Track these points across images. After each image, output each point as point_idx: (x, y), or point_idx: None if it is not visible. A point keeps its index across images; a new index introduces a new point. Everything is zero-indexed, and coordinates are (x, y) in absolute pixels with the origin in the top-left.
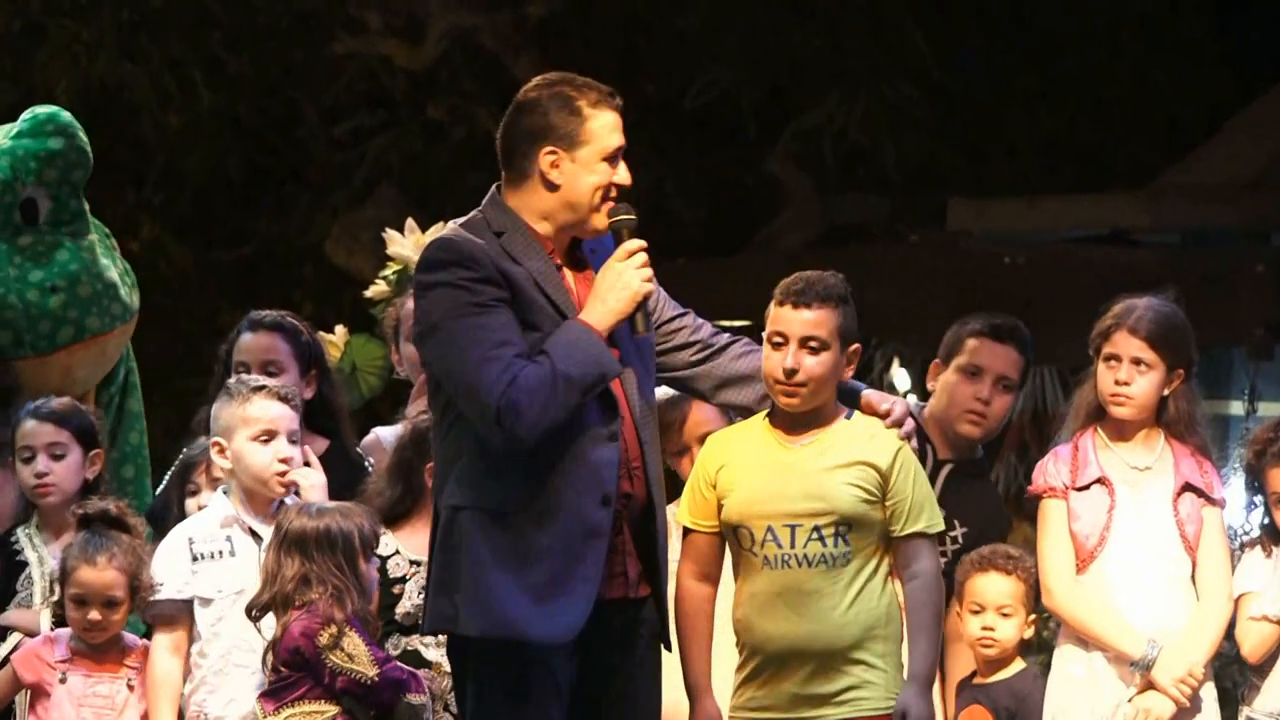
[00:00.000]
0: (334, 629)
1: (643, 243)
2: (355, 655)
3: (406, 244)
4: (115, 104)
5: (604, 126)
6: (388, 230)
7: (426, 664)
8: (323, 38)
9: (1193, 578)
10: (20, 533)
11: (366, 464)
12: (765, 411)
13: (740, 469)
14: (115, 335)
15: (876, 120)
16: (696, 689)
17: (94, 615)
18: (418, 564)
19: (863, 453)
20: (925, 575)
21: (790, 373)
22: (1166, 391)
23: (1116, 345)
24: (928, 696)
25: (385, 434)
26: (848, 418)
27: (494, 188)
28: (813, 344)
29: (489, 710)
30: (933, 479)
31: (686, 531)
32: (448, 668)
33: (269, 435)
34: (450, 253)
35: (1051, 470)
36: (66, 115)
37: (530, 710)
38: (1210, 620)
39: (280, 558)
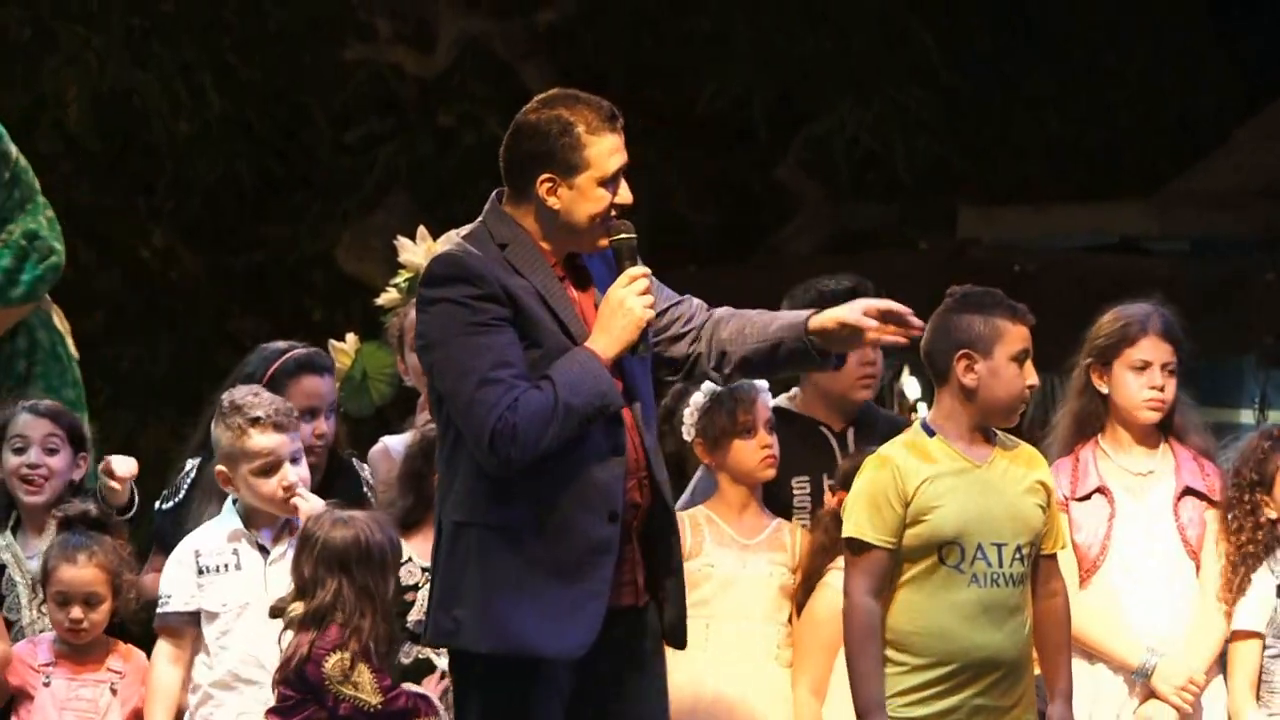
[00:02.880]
0: (344, 658)
1: (645, 269)
2: (360, 684)
3: (418, 251)
4: (126, 110)
5: (602, 152)
6: (399, 238)
7: (440, 672)
8: (333, 44)
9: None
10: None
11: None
12: (929, 428)
13: (945, 485)
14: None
15: (887, 126)
16: (871, 707)
17: (75, 614)
18: (429, 571)
19: (1036, 474)
20: (1063, 594)
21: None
22: None
23: (1145, 351)
24: (1071, 710)
25: (393, 443)
26: (994, 436)
27: (495, 195)
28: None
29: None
30: None
31: (860, 547)
32: None
33: (271, 467)
34: (454, 268)
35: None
36: None
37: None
38: (1212, 626)
39: (318, 570)
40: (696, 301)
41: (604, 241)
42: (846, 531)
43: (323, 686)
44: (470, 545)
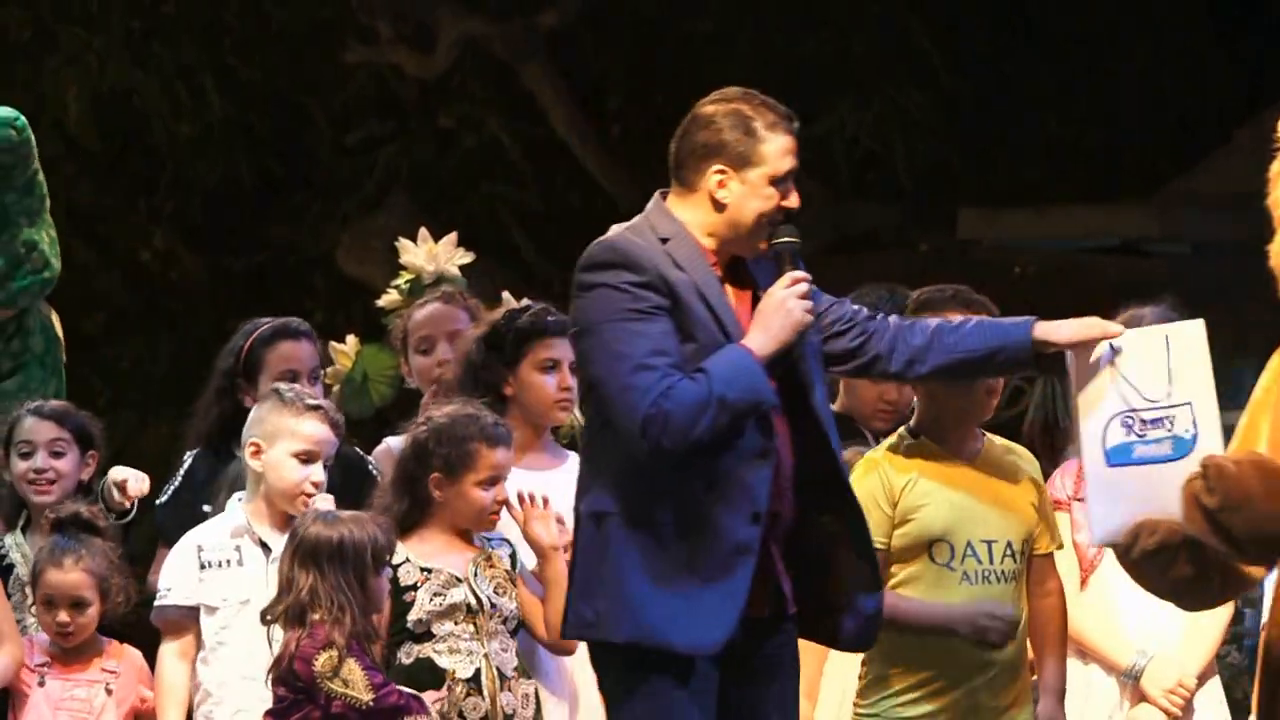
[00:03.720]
0: (333, 655)
1: (806, 274)
2: (351, 681)
3: (419, 253)
4: (126, 111)
5: (777, 150)
6: (400, 239)
7: (441, 671)
8: (334, 46)
9: None
10: (8, 539)
11: (369, 464)
12: (913, 430)
13: (932, 484)
14: None
15: (887, 127)
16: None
17: (62, 617)
18: (428, 571)
19: (1026, 471)
20: (1058, 593)
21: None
22: None
23: None
24: (1063, 709)
25: (396, 444)
26: (981, 435)
27: (658, 195)
28: None
29: (632, 717)
30: None
31: None
32: (461, 674)
33: (310, 457)
34: (615, 254)
35: (1058, 484)
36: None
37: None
38: (1206, 629)
39: (294, 568)
40: (850, 303)
41: (764, 246)
42: None
43: (314, 684)
44: (612, 537)
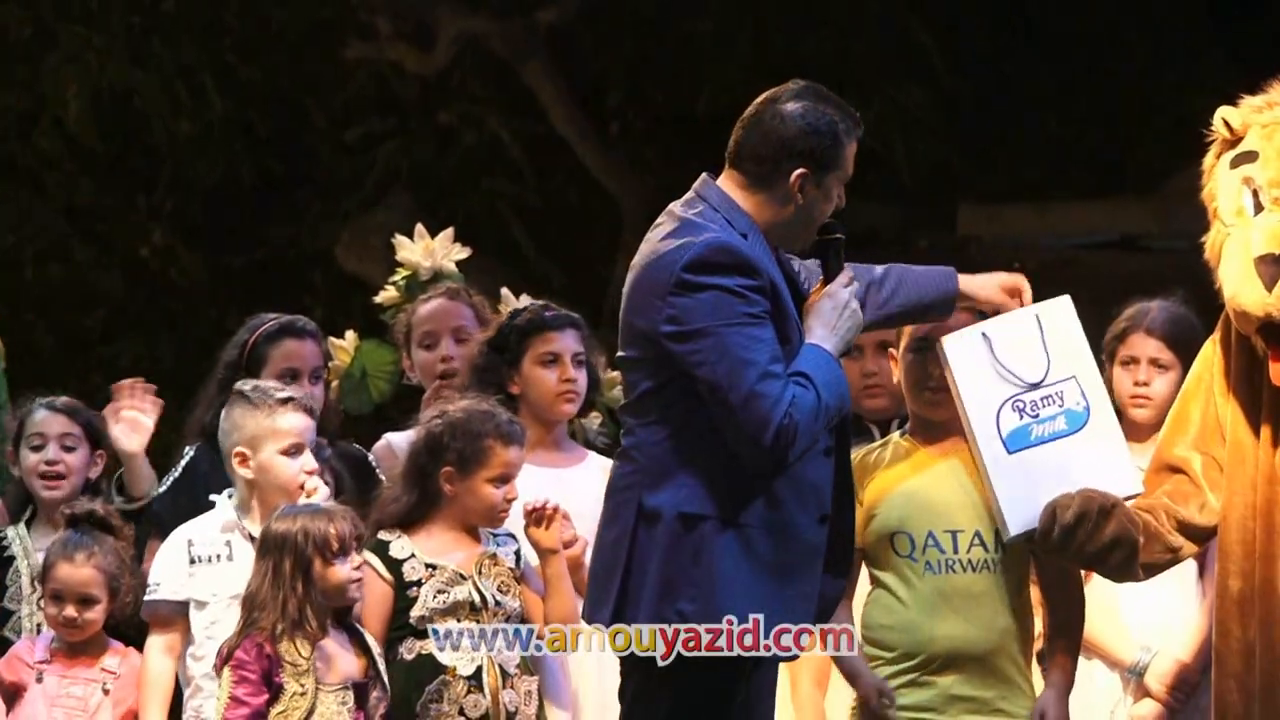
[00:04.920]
0: (221, 667)
1: (853, 271)
2: (220, 698)
3: (416, 249)
4: (126, 110)
5: (850, 155)
6: (398, 236)
7: (442, 668)
8: (333, 44)
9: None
10: (9, 531)
11: (370, 459)
12: (897, 430)
13: (892, 478)
14: None
15: (887, 126)
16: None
17: (69, 612)
18: (433, 567)
19: None
20: (1073, 583)
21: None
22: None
23: (1133, 347)
24: (1065, 702)
25: (396, 440)
26: (1035, 316)
27: (713, 182)
28: None
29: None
30: None
31: None
32: (462, 672)
33: (297, 449)
34: (731, 257)
35: None
36: None
37: None
38: (1209, 624)
39: (256, 559)
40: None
41: (810, 242)
42: None
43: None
44: (703, 539)
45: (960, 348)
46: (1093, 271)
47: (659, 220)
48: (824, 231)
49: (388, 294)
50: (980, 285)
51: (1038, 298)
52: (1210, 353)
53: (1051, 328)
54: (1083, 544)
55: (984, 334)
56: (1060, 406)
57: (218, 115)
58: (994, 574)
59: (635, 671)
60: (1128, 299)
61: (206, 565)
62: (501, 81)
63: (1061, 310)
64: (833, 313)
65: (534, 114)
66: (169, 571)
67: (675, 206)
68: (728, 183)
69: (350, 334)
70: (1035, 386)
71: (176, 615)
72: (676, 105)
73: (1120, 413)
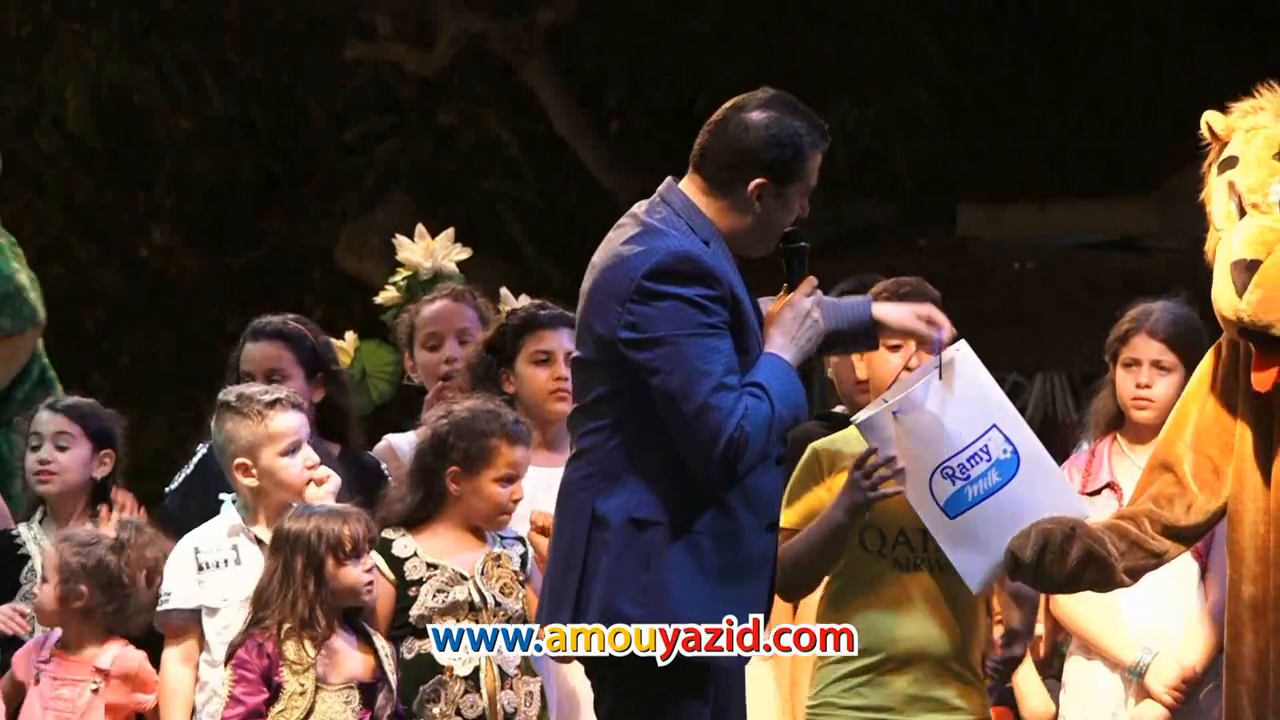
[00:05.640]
0: (231, 664)
1: (814, 279)
2: (221, 694)
3: (416, 250)
4: (125, 107)
5: (814, 168)
6: (398, 236)
7: (440, 668)
8: (333, 42)
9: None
10: (23, 528)
11: (382, 466)
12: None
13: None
14: (27, 336)
15: (887, 124)
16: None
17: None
18: (435, 567)
19: None
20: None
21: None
22: None
23: (1136, 349)
24: (1024, 646)
25: (399, 441)
26: (936, 374)
27: (676, 185)
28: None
29: None
30: None
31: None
32: (460, 672)
33: (295, 446)
34: (692, 266)
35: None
36: None
37: None
38: (1212, 625)
39: (267, 558)
40: None
41: (771, 250)
42: None
43: None
44: (651, 545)
45: (875, 428)
46: (1092, 271)
47: (621, 221)
48: (787, 240)
49: (388, 294)
50: (895, 314)
51: (1037, 296)
52: (1215, 354)
53: (958, 380)
54: (1052, 573)
55: (894, 412)
56: (989, 461)
57: (217, 113)
58: (957, 575)
59: (606, 684)
60: (1127, 299)
61: (215, 571)
62: (501, 81)
63: (963, 359)
64: (793, 322)
65: (534, 113)
66: (179, 580)
67: (638, 208)
68: (690, 186)
69: (350, 335)
70: (958, 450)
71: (190, 624)
72: (676, 104)
73: (1123, 413)
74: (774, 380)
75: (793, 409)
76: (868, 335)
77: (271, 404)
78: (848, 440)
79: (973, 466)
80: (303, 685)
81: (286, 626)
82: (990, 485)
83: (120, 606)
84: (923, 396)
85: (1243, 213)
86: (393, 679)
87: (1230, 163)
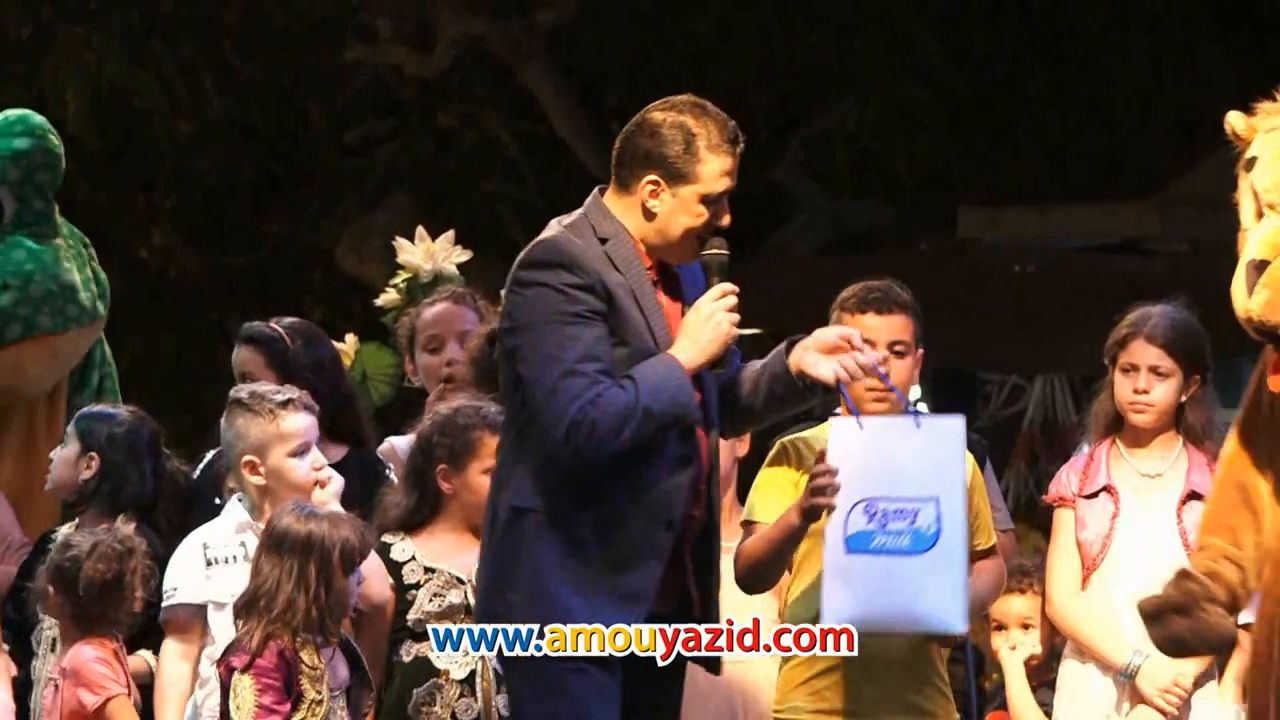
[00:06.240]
0: (239, 672)
1: (733, 286)
2: (241, 706)
3: (416, 252)
4: (126, 109)
5: (713, 171)
6: (398, 238)
7: (436, 671)
8: (334, 44)
9: None
10: (63, 530)
11: (387, 470)
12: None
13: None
14: (70, 337)
15: (887, 125)
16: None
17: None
18: (432, 571)
19: None
20: (990, 571)
21: (884, 377)
22: (1184, 398)
23: (1134, 354)
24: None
25: (400, 443)
26: (918, 425)
27: (597, 190)
28: (899, 348)
29: (537, 712)
30: None
31: (748, 527)
32: (455, 675)
33: (305, 448)
34: (556, 255)
35: (1064, 479)
36: (38, 118)
37: (577, 713)
38: None
39: (260, 555)
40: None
41: (691, 258)
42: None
43: (226, 691)
44: (528, 532)
45: (839, 432)
46: (1092, 274)
47: None
48: (706, 248)
49: (388, 296)
50: (809, 361)
51: (1037, 298)
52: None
53: (933, 442)
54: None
55: (862, 425)
56: (910, 524)
57: (217, 115)
58: None
59: (511, 681)
60: (1127, 301)
61: (223, 567)
62: (501, 83)
63: (950, 430)
64: (694, 325)
65: (534, 115)
66: (186, 575)
67: (564, 216)
68: (609, 191)
69: (350, 337)
70: (892, 497)
71: (194, 619)
72: None
73: (1120, 417)
74: (649, 375)
75: (668, 405)
76: (803, 388)
77: (284, 404)
78: (817, 437)
79: (894, 520)
80: (319, 693)
81: (302, 634)
82: (896, 546)
83: (83, 609)
84: (895, 430)
85: (1260, 214)
86: (370, 676)
87: (1251, 164)
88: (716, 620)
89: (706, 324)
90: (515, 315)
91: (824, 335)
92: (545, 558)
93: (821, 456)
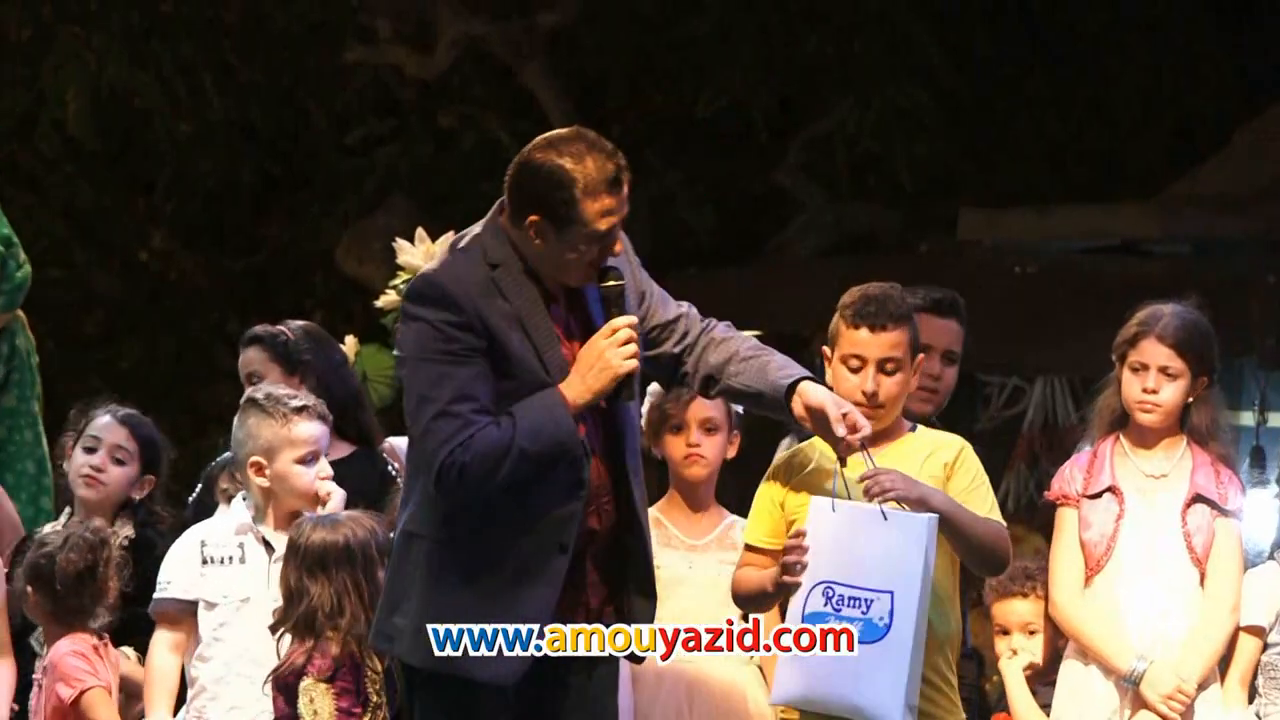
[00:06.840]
0: (312, 680)
1: (631, 319)
2: (319, 712)
3: (416, 253)
4: (125, 111)
5: (594, 214)
6: (398, 240)
7: None
8: (334, 46)
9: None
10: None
11: (392, 469)
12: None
13: (814, 479)
14: None
15: (888, 128)
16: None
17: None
18: None
19: (938, 456)
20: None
21: (871, 395)
22: (1190, 399)
23: (1143, 353)
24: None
25: (400, 443)
26: (912, 430)
27: (497, 206)
28: (889, 365)
29: None
30: None
31: (748, 550)
32: None
33: (313, 456)
34: (435, 291)
35: (1067, 477)
36: None
37: None
38: (1210, 634)
39: (303, 578)
40: (694, 315)
41: (585, 283)
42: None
43: (293, 707)
44: (418, 558)
45: (815, 510)
46: (1092, 275)
47: None
48: (600, 278)
49: (388, 298)
50: (814, 398)
51: (1037, 300)
52: None
53: (899, 537)
54: None
55: (834, 509)
56: (863, 613)
57: (217, 116)
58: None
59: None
60: (1127, 303)
61: (218, 566)
62: (501, 84)
63: (921, 527)
64: (584, 363)
65: (534, 116)
66: (180, 570)
67: (464, 233)
68: (506, 214)
69: (350, 339)
70: (851, 584)
71: (185, 614)
72: (677, 107)
73: (1125, 414)
74: (528, 413)
75: (545, 442)
76: (775, 403)
77: (298, 410)
78: (806, 453)
79: (848, 606)
80: (379, 696)
81: (361, 639)
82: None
83: (61, 603)
84: (867, 519)
85: None
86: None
87: None
88: (642, 619)
89: (596, 363)
90: (401, 346)
91: (829, 409)
92: (433, 587)
93: (799, 534)
